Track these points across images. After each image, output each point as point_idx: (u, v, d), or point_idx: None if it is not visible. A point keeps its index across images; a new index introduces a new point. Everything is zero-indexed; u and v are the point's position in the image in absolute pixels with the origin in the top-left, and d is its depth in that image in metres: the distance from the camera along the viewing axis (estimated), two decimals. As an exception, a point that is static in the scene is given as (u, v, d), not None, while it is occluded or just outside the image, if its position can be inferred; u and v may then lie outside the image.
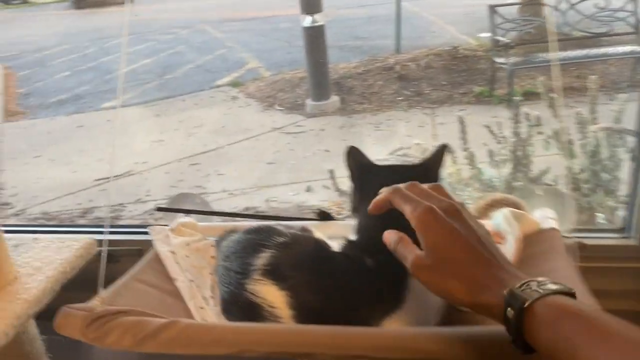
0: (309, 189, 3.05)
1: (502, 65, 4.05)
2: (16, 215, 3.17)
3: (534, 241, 0.74)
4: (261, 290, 0.64)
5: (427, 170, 0.69)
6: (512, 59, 3.97)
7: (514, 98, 2.20)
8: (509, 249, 0.72)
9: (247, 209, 2.97)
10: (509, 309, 0.44)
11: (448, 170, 1.83)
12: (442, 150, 0.70)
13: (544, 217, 0.79)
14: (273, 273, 0.64)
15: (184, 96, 4.95)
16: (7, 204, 3.31)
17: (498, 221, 0.76)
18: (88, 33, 7.65)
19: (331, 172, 2.19)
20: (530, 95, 3.69)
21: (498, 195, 0.82)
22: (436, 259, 0.49)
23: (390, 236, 0.54)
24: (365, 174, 0.70)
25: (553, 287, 0.44)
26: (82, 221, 2.98)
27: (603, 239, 0.91)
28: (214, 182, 3.31)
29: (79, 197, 3.26)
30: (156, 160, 3.69)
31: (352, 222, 0.71)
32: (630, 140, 1.74)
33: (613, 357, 0.38)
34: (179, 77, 5.54)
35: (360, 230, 0.68)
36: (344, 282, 0.64)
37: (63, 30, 8.39)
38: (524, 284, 0.45)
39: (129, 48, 6.03)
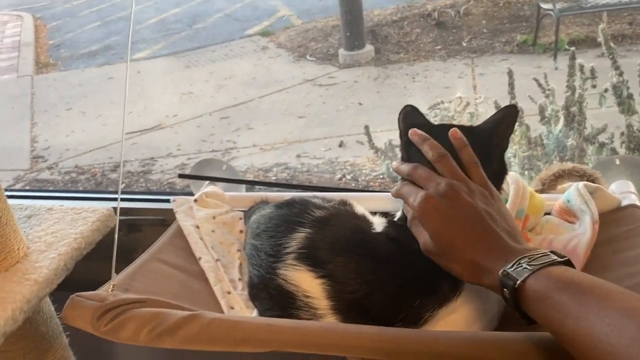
0: (341, 145, 2.95)
1: (548, 11, 3.78)
2: (49, 168, 3.18)
3: (613, 221, 0.64)
4: (295, 276, 0.55)
5: (487, 134, 0.58)
6: (560, 4, 3.70)
7: (569, 47, 2.01)
8: (583, 230, 0.62)
9: (277, 164, 2.90)
10: (505, 289, 0.45)
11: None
12: (511, 112, 0.58)
13: (623, 191, 0.68)
14: (309, 257, 0.56)
15: (213, 46, 4.83)
16: (40, 157, 3.32)
17: (570, 197, 0.65)
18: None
19: (366, 128, 2.07)
20: (578, 44, 3.45)
21: (568, 164, 0.71)
22: (439, 245, 0.50)
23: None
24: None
25: (544, 259, 0.45)
26: (114, 175, 2.96)
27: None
28: (244, 137, 3.24)
29: (110, 150, 3.24)
30: (187, 113, 3.63)
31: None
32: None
33: (598, 325, 0.39)
34: (209, 26, 5.40)
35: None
36: (391, 269, 0.54)
37: (92, -22, 8.26)
38: (515, 262, 0.46)
39: (158, -4, 5.89)
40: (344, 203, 0.65)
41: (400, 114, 0.61)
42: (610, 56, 1.65)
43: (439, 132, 0.57)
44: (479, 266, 0.48)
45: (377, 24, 4.43)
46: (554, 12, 3.68)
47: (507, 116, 0.58)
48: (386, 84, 3.72)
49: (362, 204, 0.68)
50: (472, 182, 0.53)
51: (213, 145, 3.21)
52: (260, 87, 3.89)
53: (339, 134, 3.03)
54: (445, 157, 0.54)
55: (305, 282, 0.55)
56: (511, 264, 0.45)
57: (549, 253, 0.46)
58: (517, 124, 1.78)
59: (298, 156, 2.94)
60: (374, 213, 0.67)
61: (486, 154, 0.57)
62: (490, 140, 0.57)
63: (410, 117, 0.60)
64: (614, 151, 1.66)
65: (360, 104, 3.39)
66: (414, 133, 0.57)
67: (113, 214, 0.76)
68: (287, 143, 3.10)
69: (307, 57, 4.35)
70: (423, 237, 0.52)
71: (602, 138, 1.74)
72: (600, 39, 1.63)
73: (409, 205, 0.53)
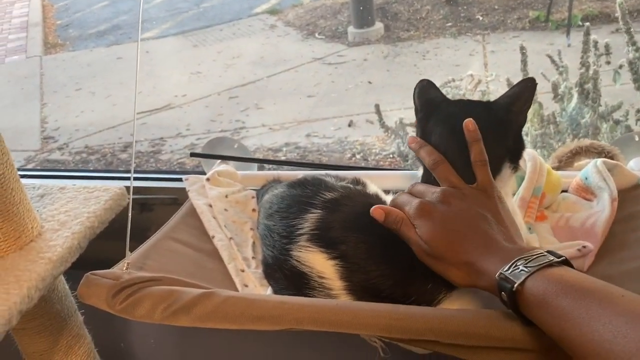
0: (351, 124, 2.92)
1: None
2: (60, 149, 3.19)
3: (632, 198, 0.62)
4: (308, 258, 0.55)
5: (503, 109, 0.57)
6: (576, -21, 3.62)
7: (584, 23, 1.97)
8: (602, 208, 0.61)
9: (287, 144, 2.89)
10: (502, 293, 0.45)
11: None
12: (529, 86, 0.56)
13: (642, 168, 0.67)
14: (322, 238, 0.55)
15: (221, 25, 4.79)
16: (50, 137, 3.33)
17: (588, 174, 0.64)
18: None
19: (377, 106, 2.05)
20: (591, 20, 3.38)
21: (586, 141, 0.70)
22: (434, 249, 0.51)
23: (390, 215, 0.54)
24: (432, 110, 0.58)
25: (541, 260, 0.44)
26: (124, 155, 2.97)
27: None
28: (253, 117, 3.23)
29: (120, 130, 3.24)
30: (195, 93, 3.62)
31: (416, 173, 0.61)
32: None
33: (601, 332, 0.38)
34: (216, 5, 5.35)
35: (427, 178, 0.58)
36: (403, 251, 0.54)
37: (98, -43, 8.18)
38: (512, 264, 0.45)
39: (165, -25, 5.82)
40: (357, 182, 0.64)
41: (415, 88, 0.60)
42: (627, 31, 1.61)
43: (455, 108, 0.56)
44: (475, 269, 0.48)
45: (387, 1, 4.37)
46: (567, -13, 3.60)
47: (525, 90, 0.56)
48: (396, 62, 3.67)
49: (375, 182, 0.67)
50: (466, 187, 0.54)
51: (222, 125, 3.20)
52: (269, 66, 3.85)
53: (349, 113, 3.00)
54: (440, 164, 0.55)
55: (319, 263, 0.54)
56: (508, 266, 0.45)
57: (546, 253, 0.45)
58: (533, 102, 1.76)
59: (308, 136, 2.93)
60: (387, 191, 0.66)
61: (502, 130, 0.56)
62: (507, 115, 0.56)
63: (426, 91, 0.59)
64: (628, 128, 1.64)
65: (370, 82, 3.36)
66: (412, 141, 0.58)
67: (125, 193, 0.75)
68: (297, 122, 3.08)
69: (316, 35, 4.30)
70: (414, 238, 0.52)
71: (617, 115, 1.71)
72: (618, 13, 1.59)
73: (405, 213, 0.54)
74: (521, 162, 0.59)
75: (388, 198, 0.61)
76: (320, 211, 0.57)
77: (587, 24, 1.83)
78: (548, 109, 1.79)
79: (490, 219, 0.51)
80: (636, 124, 1.67)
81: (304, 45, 4.15)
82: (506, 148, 0.55)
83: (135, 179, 0.94)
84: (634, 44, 1.59)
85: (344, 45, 4.01)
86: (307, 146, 2.85)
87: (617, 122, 1.67)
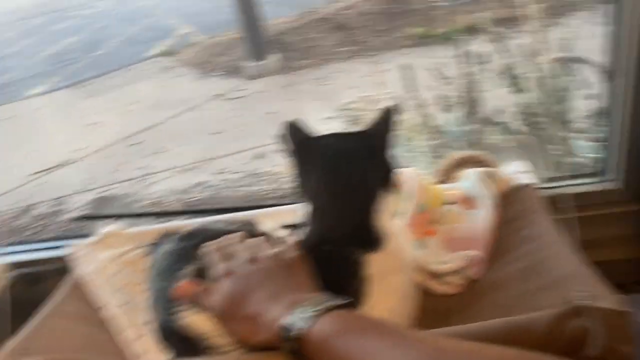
0: (259, 156, 2.92)
1: (437, 3, 3.96)
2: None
3: (510, 201, 0.66)
4: (194, 320, 0.53)
5: (372, 137, 0.59)
6: (449, -6, 3.88)
7: (457, 37, 2.10)
8: (485, 215, 0.64)
9: (197, 184, 2.83)
10: (285, 342, 0.45)
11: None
12: (388, 113, 0.59)
13: (517, 171, 0.71)
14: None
15: (115, 72, 4.66)
16: None
17: (469, 184, 0.67)
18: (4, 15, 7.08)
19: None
20: (472, 31, 3.62)
21: (465, 153, 0.73)
22: (226, 314, 0.51)
23: (186, 290, 0.54)
24: (308, 150, 0.59)
25: (315, 309, 0.45)
26: (19, 222, 2.77)
27: (583, 185, 0.84)
28: (159, 161, 3.14)
29: (19, 193, 3.03)
30: (95, 144, 3.47)
31: (302, 208, 0.61)
32: (582, 68, 1.68)
33: None
34: (108, 52, 5.20)
35: (314, 217, 0.58)
36: None
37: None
38: (293, 312, 0.45)
39: (50, 27, 5.62)
40: (248, 224, 0.63)
41: (284, 130, 0.60)
42: (496, 41, 1.74)
43: (327, 142, 0.57)
44: (257, 323, 0.48)
45: (280, 32, 4.44)
46: (443, 2, 3.85)
47: (384, 118, 0.59)
48: (295, 90, 3.73)
49: (274, 219, 0.67)
50: (242, 256, 0.54)
51: (127, 174, 3.08)
52: (169, 108, 3.78)
53: (256, 145, 3.00)
54: (221, 243, 0.55)
55: (205, 324, 0.53)
56: (288, 315, 0.45)
57: (325, 300, 0.46)
58: (422, 115, 1.84)
59: (218, 173, 2.89)
60: (289, 226, 0.65)
61: (373, 156, 0.57)
62: (374, 142, 0.58)
63: (297, 132, 0.60)
64: (512, 131, 1.75)
65: (272, 113, 3.38)
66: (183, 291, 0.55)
67: (6, 268, 0.70)
68: (205, 161, 3.04)
69: (214, 72, 4.29)
70: (209, 303, 0.52)
71: (502, 119, 1.83)
72: (485, 26, 1.71)
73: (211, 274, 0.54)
74: (398, 183, 0.60)
75: (283, 234, 0.61)
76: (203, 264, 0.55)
77: (461, 37, 1.95)
78: (442, 119, 1.88)
79: (272, 274, 0.51)
80: (520, 127, 1.78)
81: (203, 84, 4.12)
82: (380, 173, 0.57)
83: (19, 252, 0.87)
84: (503, 51, 1.72)
85: (243, 79, 4.02)
86: (218, 184, 2.81)
87: (501, 125, 1.78)
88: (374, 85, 3.43)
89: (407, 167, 0.66)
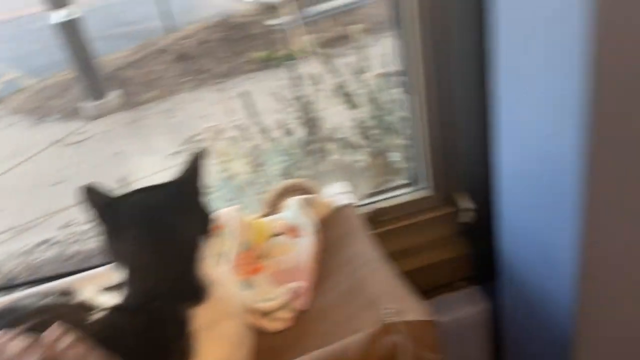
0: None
1: (275, 27, 4.08)
2: None
3: (330, 225, 0.69)
4: None
5: (182, 185, 0.58)
6: (285, 18, 4.00)
7: (288, 61, 2.18)
8: (308, 242, 0.66)
9: (42, 242, 2.60)
10: None
11: (243, 149, 1.75)
12: (196, 159, 0.59)
13: (337, 193, 0.75)
14: None
15: None
16: None
17: (291, 213, 0.69)
18: None
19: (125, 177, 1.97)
20: (305, 53, 3.77)
21: (288, 182, 0.76)
22: None
23: None
24: (114, 212, 0.57)
25: None
26: None
27: (399, 197, 0.90)
28: (-6, 222, 2.84)
29: None
30: None
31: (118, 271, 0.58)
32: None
33: None
34: None
35: (132, 278, 0.56)
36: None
37: None
38: None
39: None
40: (65, 293, 0.59)
41: (82, 198, 0.58)
42: (324, 61, 1.83)
43: (133, 200, 0.56)
44: None
45: (117, 67, 4.26)
46: (278, 26, 3.97)
47: (193, 164, 0.59)
48: (142, 125, 3.59)
49: (95, 282, 0.63)
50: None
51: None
52: (1, 162, 3.44)
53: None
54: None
55: None
56: None
57: None
58: (266, 140, 1.87)
59: (64, 226, 2.67)
60: (113, 286, 0.62)
61: (185, 203, 0.57)
62: (184, 189, 0.58)
63: (97, 197, 0.58)
64: (352, 145, 1.85)
65: (119, 153, 3.22)
66: None
67: None
68: (48, 216, 2.79)
69: (50, 117, 3.99)
70: None
71: (341, 135, 1.92)
72: (313, 48, 1.80)
73: None
74: (220, 224, 0.60)
75: (101, 301, 0.58)
76: None
77: (291, 61, 2.03)
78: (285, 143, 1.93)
79: None
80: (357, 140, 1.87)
81: (38, 131, 3.80)
82: (196, 219, 0.56)
83: None
84: (332, 71, 1.82)
85: (82, 121, 3.78)
86: (67, 239, 2.60)
87: (342, 141, 1.87)
88: (223, 113, 3.42)
89: (230, 206, 0.67)
